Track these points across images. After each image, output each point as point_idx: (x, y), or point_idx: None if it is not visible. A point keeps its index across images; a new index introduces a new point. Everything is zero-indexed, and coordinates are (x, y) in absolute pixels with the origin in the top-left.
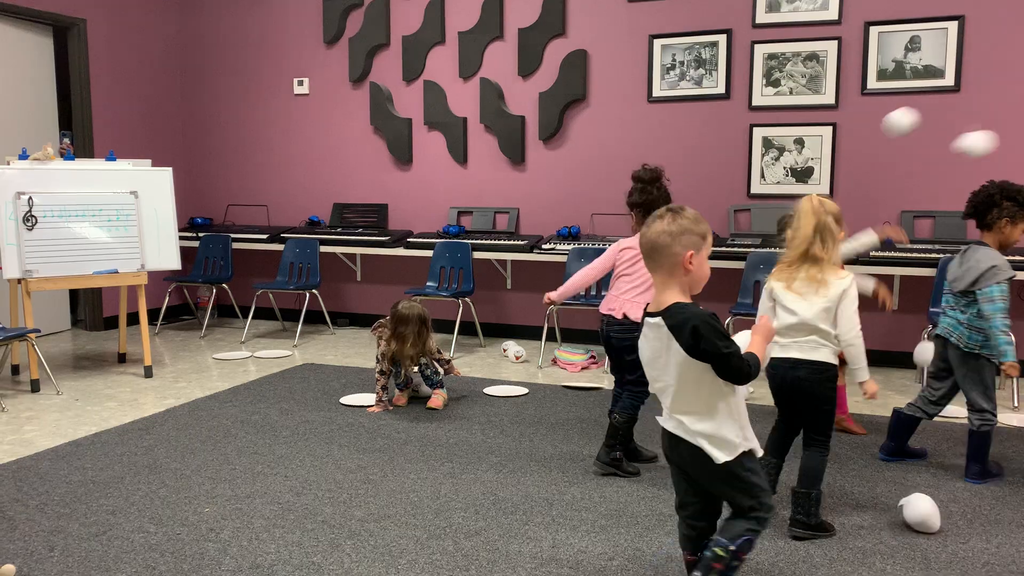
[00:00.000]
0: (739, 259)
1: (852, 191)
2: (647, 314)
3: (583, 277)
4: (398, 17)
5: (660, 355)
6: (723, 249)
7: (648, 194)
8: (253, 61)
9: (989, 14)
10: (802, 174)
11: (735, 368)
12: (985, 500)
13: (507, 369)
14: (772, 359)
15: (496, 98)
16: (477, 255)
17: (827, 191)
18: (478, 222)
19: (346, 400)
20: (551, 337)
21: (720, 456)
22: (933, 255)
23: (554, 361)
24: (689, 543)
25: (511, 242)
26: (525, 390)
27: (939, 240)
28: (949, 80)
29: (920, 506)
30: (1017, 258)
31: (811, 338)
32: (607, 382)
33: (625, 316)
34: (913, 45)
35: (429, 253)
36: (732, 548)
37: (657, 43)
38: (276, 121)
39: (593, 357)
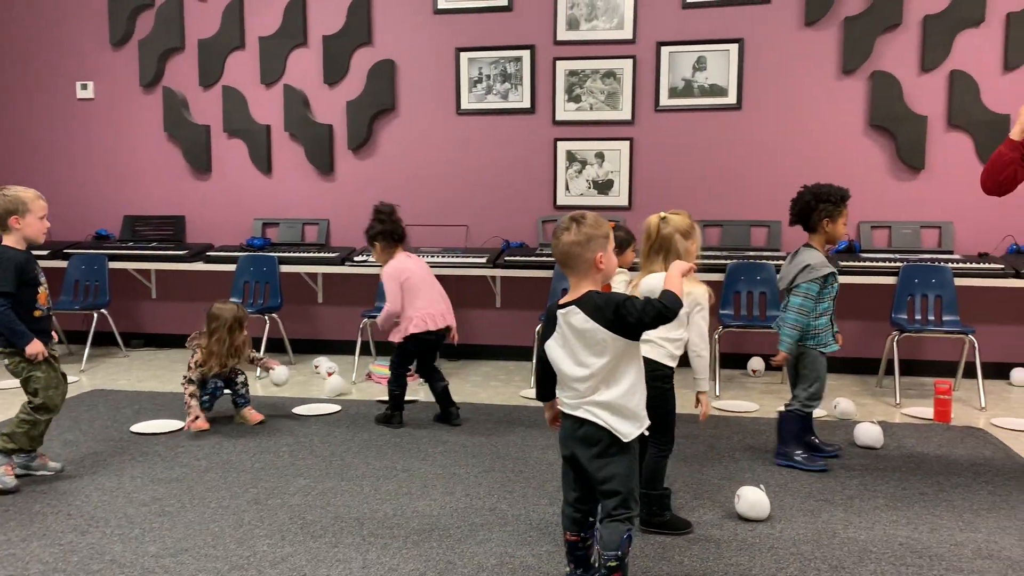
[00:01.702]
0: (547, 268)
1: (649, 202)
2: (562, 306)
3: None
4: (193, 20)
5: (573, 344)
6: (531, 259)
7: (384, 224)
8: (28, 61)
9: (764, 39)
10: (603, 186)
11: (656, 313)
12: (811, 485)
13: (319, 386)
14: None
15: (301, 105)
16: (284, 268)
17: (626, 202)
18: (285, 234)
19: (139, 428)
20: (365, 351)
21: (629, 432)
22: (721, 261)
23: (368, 376)
24: (574, 524)
25: (321, 255)
26: (337, 407)
27: (725, 247)
28: (732, 99)
29: (750, 497)
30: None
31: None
32: (423, 394)
33: None
34: (700, 65)
35: (232, 267)
36: (619, 554)
37: (464, 56)
38: (56, 127)
39: (410, 370)
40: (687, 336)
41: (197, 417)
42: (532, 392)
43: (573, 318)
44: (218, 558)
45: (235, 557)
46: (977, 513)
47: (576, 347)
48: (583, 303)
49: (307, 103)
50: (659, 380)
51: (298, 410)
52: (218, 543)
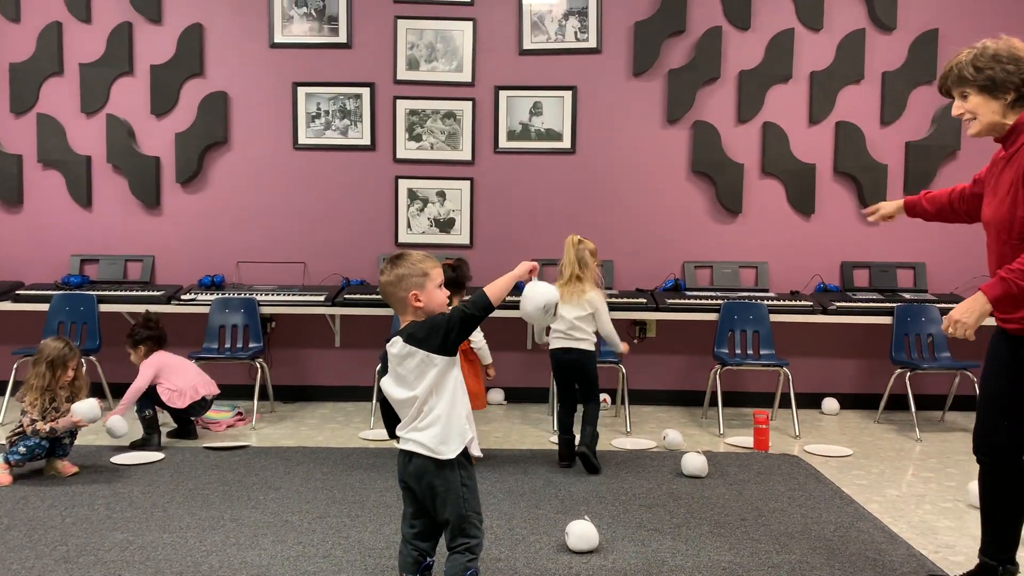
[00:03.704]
0: (388, 306)
1: (491, 241)
2: (391, 344)
3: None
4: (4, 42)
5: (397, 372)
6: (372, 296)
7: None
8: None
9: (596, 87)
10: (445, 224)
11: (460, 319)
12: (641, 515)
13: (139, 431)
14: (551, 350)
15: (126, 136)
16: (104, 308)
17: (468, 241)
18: (106, 271)
19: None
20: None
21: (447, 453)
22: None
23: (199, 422)
24: (412, 564)
25: (145, 292)
26: (160, 455)
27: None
28: (567, 143)
29: (577, 530)
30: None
31: (575, 332)
32: (255, 439)
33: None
34: (536, 110)
35: (45, 307)
36: None
37: (301, 91)
38: None
39: (240, 414)
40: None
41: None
42: (372, 433)
43: (394, 348)
44: None
45: None
46: (791, 536)
47: (400, 374)
48: (402, 332)
49: (132, 134)
50: (593, 359)
51: (117, 459)
52: None
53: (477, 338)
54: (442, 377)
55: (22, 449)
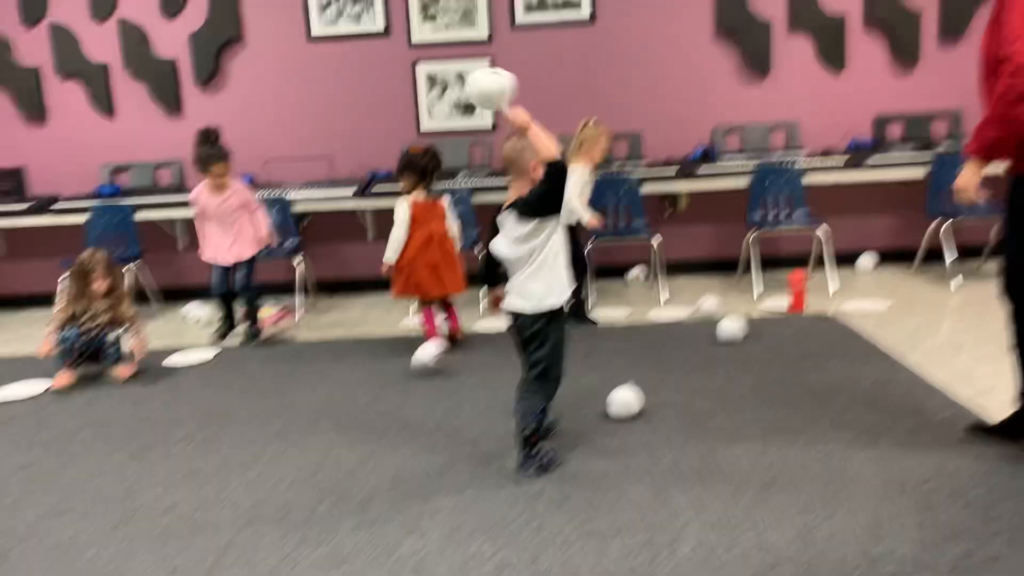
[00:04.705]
0: None
1: None
2: (504, 215)
3: None
4: None
5: (514, 238)
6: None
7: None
8: None
9: None
10: (467, 108)
11: (559, 180)
12: (680, 381)
13: (190, 334)
14: None
15: (139, 42)
16: (140, 215)
17: (490, 125)
18: (137, 178)
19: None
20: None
21: (548, 306)
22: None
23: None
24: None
25: (178, 197)
26: (212, 354)
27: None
28: (585, 12)
29: (620, 397)
30: None
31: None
32: (301, 332)
33: None
34: None
35: (83, 219)
36: (533, 425)
37: None
38: None
39: (285, 308)
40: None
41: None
42: (413, 321)
43: (508, 218)
44: (102, 515)
45: (120, 512)
46: (829, 392)
47: (512, 237)
48: (515, 204)
49: (146, 38)
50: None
51: (169, 361)
52: (100, 500)
53: (454, 228)
54: (547, 239)
55: (60, 349)
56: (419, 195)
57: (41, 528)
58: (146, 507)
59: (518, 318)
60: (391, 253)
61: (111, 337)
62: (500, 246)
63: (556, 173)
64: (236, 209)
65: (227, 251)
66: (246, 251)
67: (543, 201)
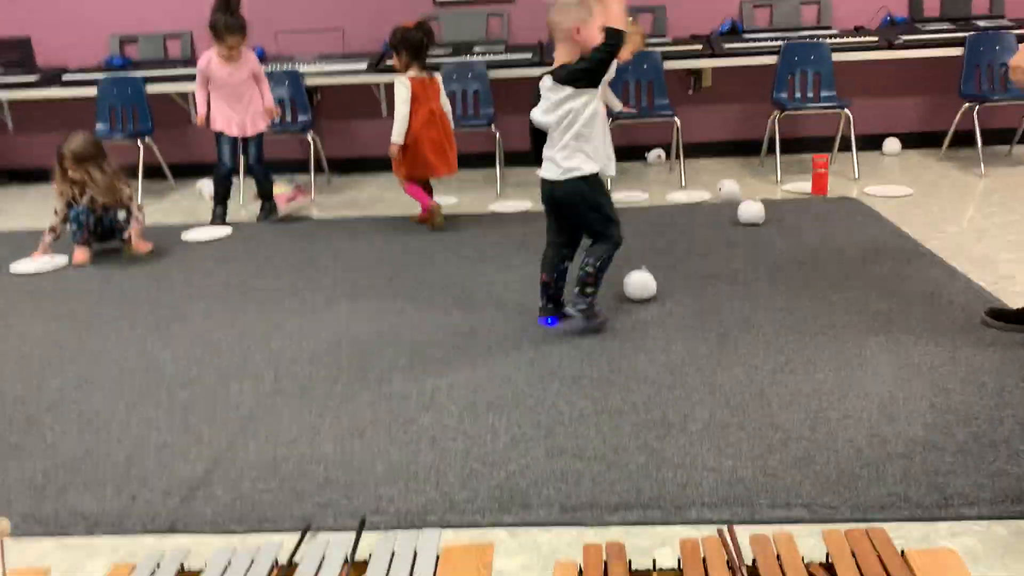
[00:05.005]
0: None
1: None
2: (543, 80)
3: None
4: None
5: (547, 102)
6: None
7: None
8: None
9: None
10: None
11: (608, 58)
12: (697, 264)
13: (205, 210)
14: None
15: None
16: (151, 88)
17: None
18: (146, 50)
19: (20, 267)
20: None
21: (590, 169)
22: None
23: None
24: (552, 264)
25: (188, 70)
26: (228, 230)
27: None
28: None
29: (636, 279)
30: None
31: None
32: (315, 211)
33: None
34: None
35: (93, 91)
36: (598, 263)
37: None
38: None
39: (299, 186)
40: None
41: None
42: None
43: (546, 83)
44: (125, 385)
45: (142, 384)
46: (848, 275)
47: (551, 103)
48: (555, 72)
49: None
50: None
51: (187, 236)
52: (123, 371)
53: (447, 105)
54: (585, 107)
55: (72, 227)
56: (415, 72)
57: (68, 397)
58: (167, 380)
59: (551, 186)
60: (398, 133)
61: (121, 215)
62: (537, 113)
63: (612, 47)
64: (245, 80)
65: (238, 123)
66: (258, 124)
67: (587, 73)
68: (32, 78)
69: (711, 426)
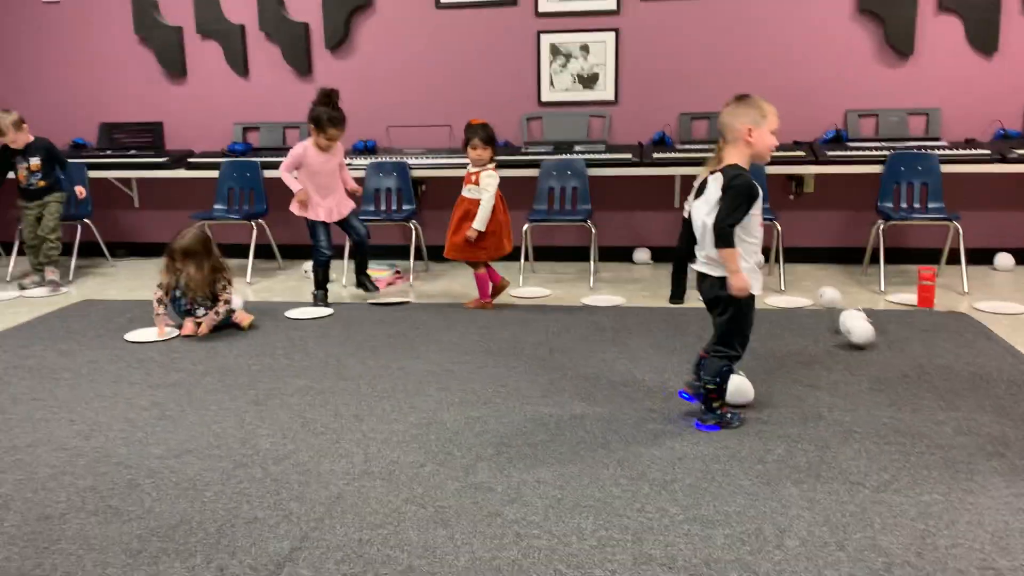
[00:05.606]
0: (533, 167)
1: (637, 96)
2: (712, 172)
3: None
4: None
5: (704, 201)
6: (517, 158)
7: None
8: None
9: None
10: (588, 80)
11: (722, 231)
12: (796, 372)
13: (309, 291)
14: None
15: (275, 3)
16: (268, 173)
17: (612, 96)
18: (266, 138)
19: (133, 336)
20: (354, 254)
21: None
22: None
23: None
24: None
25: None
26: (330, 311)
27: (712, 140)
28: None
29: (734, 382)
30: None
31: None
32: (413, 295)
33: None
34: None
35: (215, 174)
36: (716, 380)
37: None
38: (21, 33)
39: (398, 272)
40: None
41: (176, 324)
42: (522, 291)
43: (711, 184)
44: (222, 457)
45: (238, 456)
46: (957, 393)
47: (707, 200)
48: (724, 171)
49: (281, 1)
50: None
51: (290, 314)
52: (221, 443)
53: (490, 187)
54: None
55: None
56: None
57: (166, 466)
58: (262, 454)
59: (705, 279)
60: (482, 223)
61: (223, 297)
62: (698, 208)
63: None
64: (334, 169)
65: (325, 209)
66: (343, 207)
67: (746, 199)
68: (161, 159)
69: (809, 544)
